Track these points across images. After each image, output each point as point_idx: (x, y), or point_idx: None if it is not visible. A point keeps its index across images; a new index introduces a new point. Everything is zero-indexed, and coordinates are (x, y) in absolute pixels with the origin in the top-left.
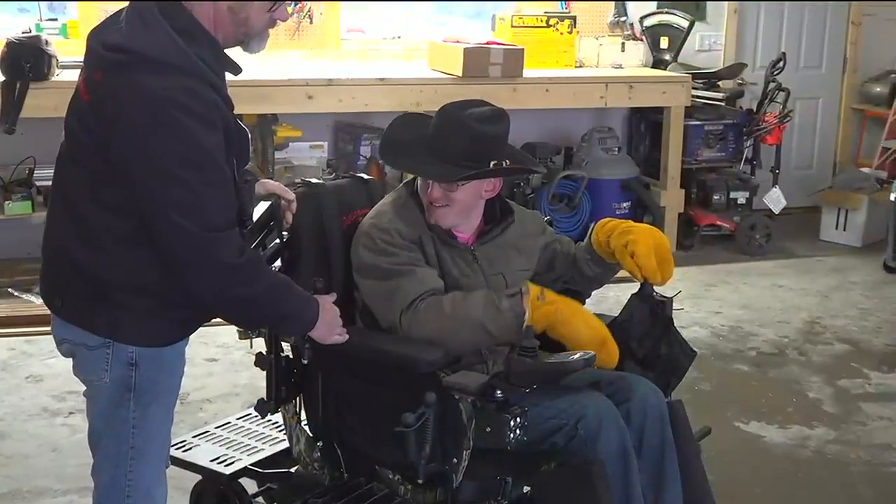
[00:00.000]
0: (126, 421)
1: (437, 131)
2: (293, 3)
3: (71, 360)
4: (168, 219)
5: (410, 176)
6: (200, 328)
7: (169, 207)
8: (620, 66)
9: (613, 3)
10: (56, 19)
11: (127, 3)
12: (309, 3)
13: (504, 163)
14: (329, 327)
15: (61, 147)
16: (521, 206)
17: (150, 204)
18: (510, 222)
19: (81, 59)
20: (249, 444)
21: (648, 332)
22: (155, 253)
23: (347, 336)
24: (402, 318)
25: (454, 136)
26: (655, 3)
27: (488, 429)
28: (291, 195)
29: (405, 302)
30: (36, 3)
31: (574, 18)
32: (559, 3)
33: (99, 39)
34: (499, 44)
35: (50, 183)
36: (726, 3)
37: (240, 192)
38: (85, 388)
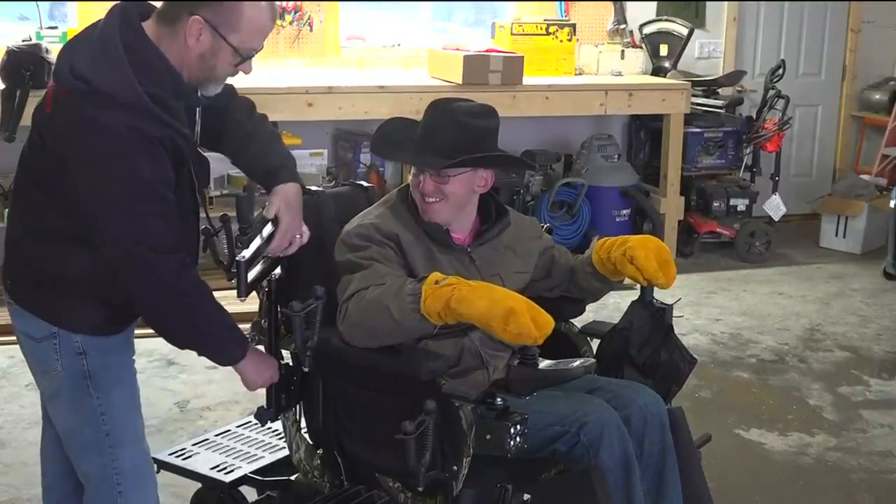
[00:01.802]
0: (93, 409)
1: (427, 125)
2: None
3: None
4: (114, 244)
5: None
6: None
7: (115, 234)
8: (620, 74)
9: (613, 10)
10: (56, 27)
11: (101, 18)
12: (308, 11)
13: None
14: (257, 372)
15: (25, 145)
16: (522, 212)
17: (95, 230)
18: (506, 224)
19: None
20: (249, 452)
21: (648, 340)
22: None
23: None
24: (342, 306)
25: (445, 129)
26: (655, 8)
27: (488, 436)
28: (306, 234)
29: (350, 291)
30: (37, 10)
31: (574, 26)
32: (558, 4)
33: (69, 59)
34: (498, 51)
35: None
36: (725, 11)
37: (239, 205)
38: (42, 391)
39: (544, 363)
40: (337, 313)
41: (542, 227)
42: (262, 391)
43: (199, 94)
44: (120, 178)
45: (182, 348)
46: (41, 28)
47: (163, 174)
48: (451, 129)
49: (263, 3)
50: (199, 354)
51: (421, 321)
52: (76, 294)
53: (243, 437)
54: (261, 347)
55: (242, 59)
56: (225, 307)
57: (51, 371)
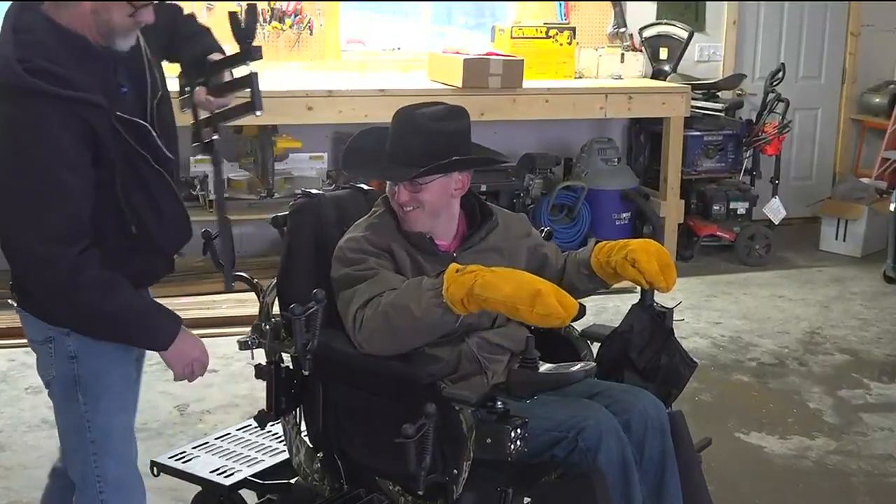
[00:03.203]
0: (80, 415)
1: (393, 136)
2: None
3: None
4: (7, 234)
5: None
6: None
7: (14, 221)
8: (620, 77)
9: (612, 14)
10: None
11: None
12: (308, 14)
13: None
14: (180, 357)
15: None
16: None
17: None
18: (493, 225)
19: None
20: (249, 456)
21: (649, 343)
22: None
23: (198, 376)
24: (357, 315)
25: (409, 137)
26: (655, 11)
27: (489, 440)
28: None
29: (361, 300)
30: None
31: (573, 29)
32: (558, 5)
33: None
34: (498, 55)
35: None
36: (725, 14)
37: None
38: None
39: (545, 367)
40: (351, 323)
41: (543, 230)
42: (263, 394)
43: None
44: (6, 162)
45: (99, 339)
46: None
47: (59, 151)
48: (418, 137)
49: None
50: (120, 342)
51: (443, 315)
52: None
53: (243, 440)
54: (260, 351)
55: (135, 8)
56: (224, 307)
57: (48, 374)
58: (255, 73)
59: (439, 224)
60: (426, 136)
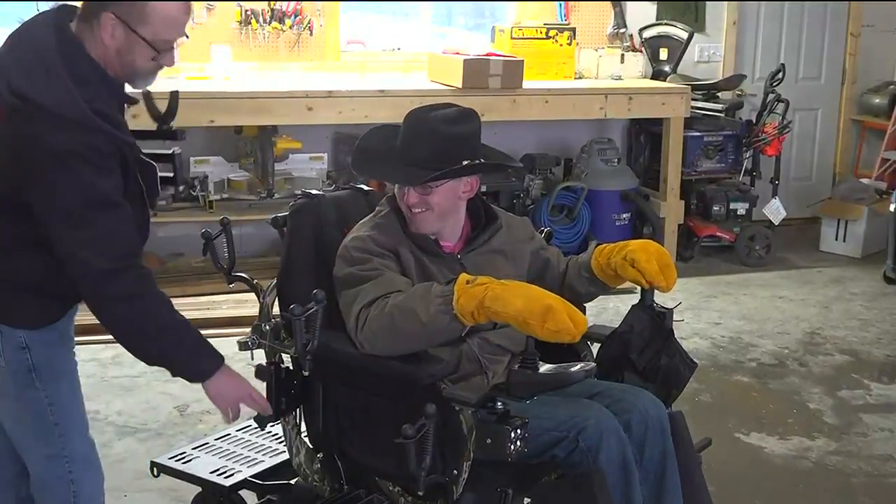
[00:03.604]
0: (40, 400)
1: (404, 138)
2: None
3: None
4: (73, 253)
5: None
6: None
7: (74, 243)
8: (620, 78)
9: (612, 14)
10: None
11: (28, 23)
12: (308, 15)
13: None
14: (220, 394)
15: None
16: (522, 216)
17: (55, 241)
18: (497, 228)
19: None
20: (249, 456)
21: (649, 344)
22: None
23: (235, 417)
24: (361, 314)
25: (420, 140)
26: (655, 11)
27: (489, 440)
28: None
29: (365, 300)
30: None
31: (573, 30)
32: (558, 5)
33: (5, 76)
34: (498, 55)
35: None
36: (725, 15)
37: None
38: None
39: (545, 367)
40: (353, 323)
41: (543, 231)
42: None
43: (129, 96)
44: (75, 193)
45: (149, 362)
46: None
47: (115, 182)
48: (429, 140)
49: None
50: (171, 368)
51: (450, 323)
52: (22, 293)
53: (243, 440)
54: (260, 351)
55: (159, 53)
56: (224, 307)
57: None
58: (179, 154)
59: (447, 226)
60: (438, 140)
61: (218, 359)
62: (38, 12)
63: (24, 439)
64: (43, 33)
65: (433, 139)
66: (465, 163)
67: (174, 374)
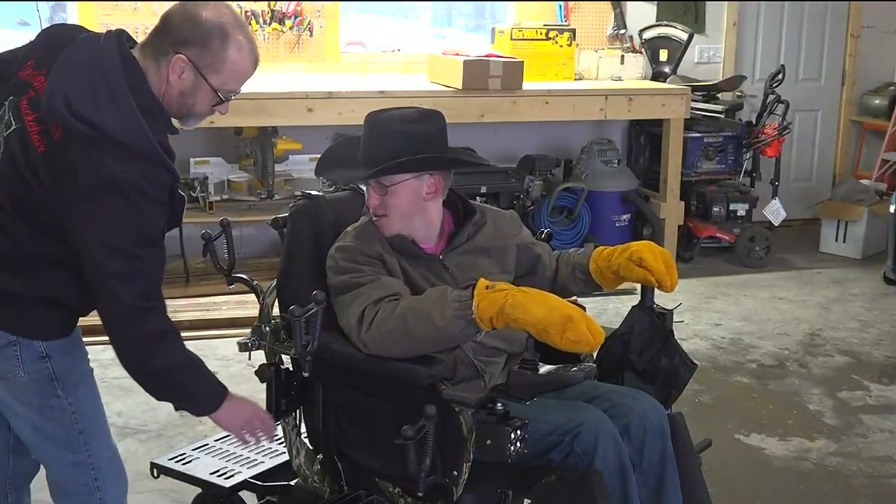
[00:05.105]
0: (63, 409)
1: (365, 139)
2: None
3: None
4: (108, 285)
5: None
6: (199, 342)
7: (113, 276)
8: (620, 79)
9: (612, 15)
10: None
11: (86, 38)
12: (308, 16)
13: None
14: (232, 418)
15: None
16: (522, 216)
17: (92, 269)
18: (480, 224)
19: None
20: (249, 457)
21: (649, 345)
22: (79, 277)
23: (253, 440)
24: (366, 313)
25: (379, 139)
26: (655, 13)
27: (489, 441)
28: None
29: (368, 300)
30: (37, 15)
31: (573, 31)
32: (557, 6)
33: (62, 92)
34: (498, 56)
35: None
36: (725, 16)
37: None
38: None
39: (544, 368)
40: (356, 323)
41: (543, 232)
42: (263, 396)
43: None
44: (129, 226)
45: (159, 399)
46: None
47: (164, 220)
48: (387, 139)
49: (247, 48)
50: (176, 402)
51: (465, 328)
52: (39, 305)
53: None
54: (259, 353)
55: (221, 101)
56: (224, 308)
57: (10, 378)
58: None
59: (416, 229)
60: (395, 138)
61: (223, 390)
62: (53, 22)
63: (46, 448)
64: (107, 58)
65: (390, 137)
66: (404, 158)
67: (181, 409)
